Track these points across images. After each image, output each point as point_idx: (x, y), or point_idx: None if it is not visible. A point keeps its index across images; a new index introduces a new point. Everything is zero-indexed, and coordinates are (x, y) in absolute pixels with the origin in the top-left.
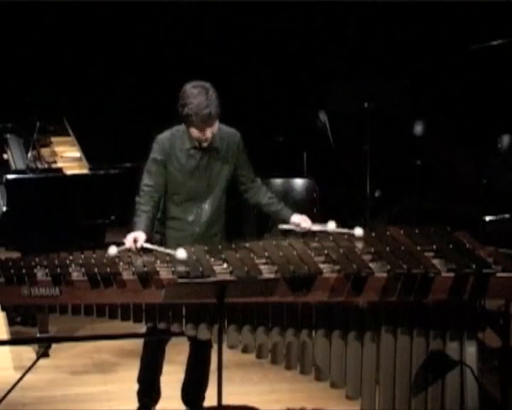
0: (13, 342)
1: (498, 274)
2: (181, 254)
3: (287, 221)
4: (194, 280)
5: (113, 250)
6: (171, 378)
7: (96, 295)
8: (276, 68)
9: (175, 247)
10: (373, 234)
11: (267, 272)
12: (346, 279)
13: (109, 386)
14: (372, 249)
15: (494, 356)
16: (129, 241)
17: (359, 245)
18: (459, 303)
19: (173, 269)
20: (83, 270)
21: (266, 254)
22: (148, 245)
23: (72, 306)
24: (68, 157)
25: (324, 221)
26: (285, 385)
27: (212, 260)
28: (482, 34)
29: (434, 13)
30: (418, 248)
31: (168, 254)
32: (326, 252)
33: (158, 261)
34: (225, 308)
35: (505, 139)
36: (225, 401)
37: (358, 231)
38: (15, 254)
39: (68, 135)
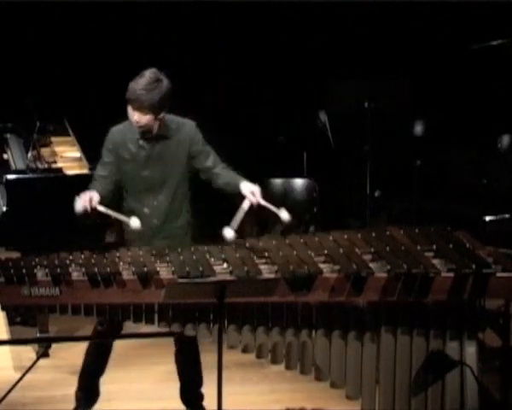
0: (13, 342)
1: (498, 274)
2: (134, 223)
3: (237, 189)
4: (194, 280)
5: (78, 206)
6: (171, 378)
7: (96, 295)
8: (276, 68)
9: (133, 234)
10: (373, 234)
11: (267, 272)
12: (346, 279)
13: (109, 386)
14: (372, 249)
15: (494, 356)
16: (84, 199)
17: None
18: (459, 303)
19: (173, 269)
20: (83, 270)
21: (266, 254)
22: (102, 208)
23: (72, 306)
24: (68, 157)
25: (324, 221)
26: (285, 385)
27: (212, 260)
28: (482, 34)
29: (434, 13)
30: (418, 248)
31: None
32: (326, 252)
33: (158, 261)
34: (225, 308)
35: (505, 139)
36: (225, 400)
37: (284, 215)
38: (15, 254)
39: (68, 135)
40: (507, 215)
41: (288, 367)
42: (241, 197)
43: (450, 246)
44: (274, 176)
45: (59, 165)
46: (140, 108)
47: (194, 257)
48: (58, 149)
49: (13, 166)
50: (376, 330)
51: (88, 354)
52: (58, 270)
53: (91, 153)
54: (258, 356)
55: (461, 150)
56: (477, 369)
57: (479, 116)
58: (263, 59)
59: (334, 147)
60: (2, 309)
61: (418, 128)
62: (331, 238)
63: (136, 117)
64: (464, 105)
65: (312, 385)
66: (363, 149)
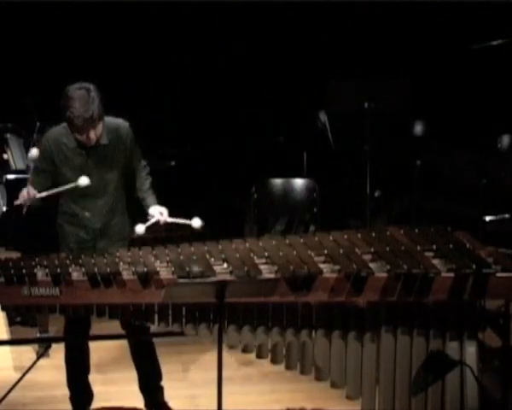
0: (13, 342)
1: (498, 274)
2: (83, 181)
3: (147, 208)
4: (194, 280)
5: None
6: (171, 378)
7: (96, 295)
8: (276, 68)
9: (75, 241)
10: (373, 234)
11: (267, 272)
12: (346, 279)
13: (109, 386)
14: (372, 249)
15: (494, 356)
16: (22, 196)
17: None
18: (459, 303)
19: (173, 269)
20: (83, 270)
21: (266, 254)
22: (43, 194)
23: (72, 306)
24: None
25: (324, 221)
26: (285, 385)
27: (212, 260)
28: (482, 34)
29: (434, 13)
30: (418, 248)
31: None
32: (326, 252)
33: (158, 261)
34: (225, 308)
35: (505, 139)
36: (225, 400)
37: (196, 223)
38: (15, 254)
39: None
40: (507, 215)
41: (287, 367)
42: None
43: (450, 246)
44: (274, 176)
45: None
46: (94, 124)
47: (195, 257)
48: None
49: (13, 166)
50: (376, 330)
51: (66, 358)
52: (58, 270)
53: None
54: (259, 356)
55: (461, 150)
56: (477, 369)
57: (479, 116)
58: (263, 59)
59: (334, 147)
60: (2, 309)
61: (418, 128)
62: (331, 238)
63: (93, 134)
64: (464, 105)
65: (312, 385)
66: (363, 149)
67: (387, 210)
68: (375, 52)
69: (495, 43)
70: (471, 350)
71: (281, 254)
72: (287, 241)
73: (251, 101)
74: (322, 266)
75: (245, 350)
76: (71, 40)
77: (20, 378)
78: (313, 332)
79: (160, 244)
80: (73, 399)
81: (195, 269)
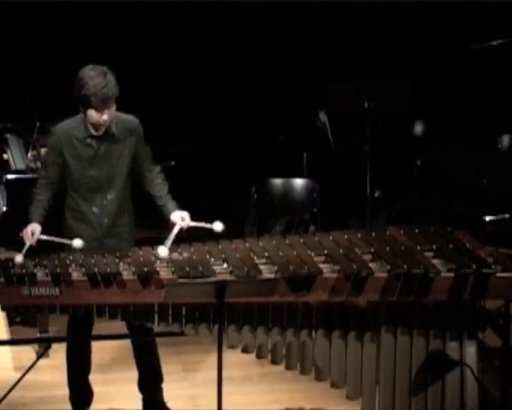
0: (13, 342)
1: (498, 274)
2: (77, 243)
3: (167, 214)
4: (194, 280)
5: (19, 258)
6: (171, 378)
7: (96, 295)
8: (276, 68)
9: (82, 238)
10: (373, 234)
11: (267, 272)
12: (346, 279)
13: (109, 386)
14: (372, 249)
15: (494, 356)
16: (26, 236)
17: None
18: (459, 303)
19: (173, 269)
20: (83, 270)
21: (266, 254)
22: (44, 237)
23: (72, 306)
24: None
25: (324, 221)
26: (285, 385)
27: (212, 260)
28: (482, 34)
29: (434, 13)
30: (418, 248)
31: (65, 244)
32: (326, 252)
33: (158, 261)
34: (225, 308)
35: (505, 139)
36: (225, 400)
37: (218, 226)
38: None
39: None
40: (507, 215)
41: (287, 367)
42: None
43: (450, 246)
44: (274, 176)
45: None
46: (109, 104)
47: (195, 257)
48: None
49: (13, 166)
50: (376, 330)
51: (67, 356)
52: (58, 270)
53: None
54: (258, 356)
55: (461, 150)
56: (477, 369)
57: (479, 116)
58: (263, 59)
59: (334, 147)
60: (3, 309)
61: (418, 128)
62: (331, 238)
63: (106, 115)
64: (464, 105)
65: (312, 385)
66: (363, 149)
67: (387, 210)
68: (375, 52)
69: (495, 43)
70: (471, 350)
71: (281, 254)
72: (287, 241)
73: (251, 101)
74: (322, 266)
75: (245, 350)
76: (71, 40)
77: (20, 378)
78: (313, 332)
79: (161, 244)
80: (73, 398)
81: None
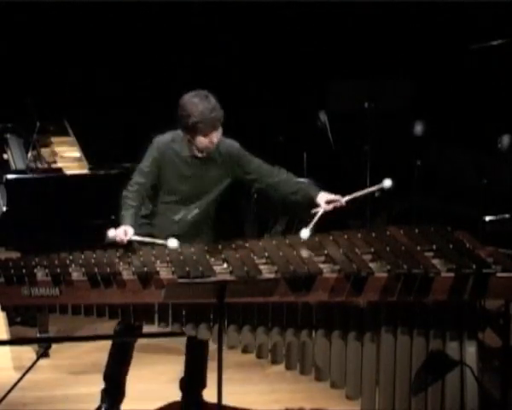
0: (13, 342)
1: (498, 274)
2: (172, 243)
3: (313, 203)
4: (194, 280)
5: (111, 233)
6: (171, 378)
7: (96, 295)
8: (276, 68)
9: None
10: (373, 234)
11: (267, 272)
12: (346, 279)
13: None
14: (372, 249)
15: (494, 356)
16: (119, 234)
17: None
18: (459, 303)
19: (173, 269)
20: (83, 270)
21: (266, 254)
22: (137, 237)
23: (72, 306)
24: (68, 157)
25: (324, 221)
26: (285, 385)
27: (212, 260)
28: (482, 34)
29: (434, 13)
30: (418, 248)
31: (160, 245)
32: (326, 252)
33: (158, 261)
34: (225, 308)
35: (505, 139)
36: (225, 400)
37: (387, 183)
38: (15, 254)
39: (68, 135)
40: (507, 215)
41: (287, 367)
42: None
43: (450, 246)
44: None
45: (59, 165)
46: (218, 126)
47: (195, 257)
48: (58, 149)
49: (13, 166)
50: (376, 330)
51: (110, 354)
52: (58, 270)
53: (91, 153)
54: (258, 356)
55: (461, 150)
56: (477, 369)
57: (479, 116)
58: (263, 59)
59: (334, 147)
60: (3, 309)
61: (418, 128)
62: (331, 238)
63: (215, 138)
64: (464, 105)
65: (312, 385)
66: (363, 149)
67: (387, 210)
68: (375, 52)
69: (495, 43)
70: (471, 350)
71: (281, 254)
72: (287, 241)
73: (251, 101)
74: (322, 266)
75: (245, 350)
76: (71, 40)
77: (20, 378)
78: (313, 332)
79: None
80: (106, 392)
81: None
